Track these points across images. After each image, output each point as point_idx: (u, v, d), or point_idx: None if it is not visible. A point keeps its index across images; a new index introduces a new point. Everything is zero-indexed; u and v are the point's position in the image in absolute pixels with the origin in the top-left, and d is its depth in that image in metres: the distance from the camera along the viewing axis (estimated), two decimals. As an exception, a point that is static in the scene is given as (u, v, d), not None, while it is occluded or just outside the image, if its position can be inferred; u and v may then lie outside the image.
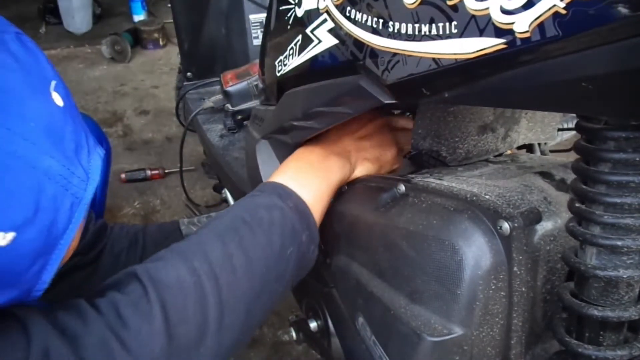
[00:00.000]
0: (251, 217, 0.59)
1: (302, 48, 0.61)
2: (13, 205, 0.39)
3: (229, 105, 1.23)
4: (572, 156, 0.46)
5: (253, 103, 1.18)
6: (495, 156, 0.68)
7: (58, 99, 0.45)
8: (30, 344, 0.44)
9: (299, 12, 0.61)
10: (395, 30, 0.44)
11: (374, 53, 0.48)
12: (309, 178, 0.65)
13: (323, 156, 0.68)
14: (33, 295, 0.46)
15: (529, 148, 0.79)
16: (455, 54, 0.39)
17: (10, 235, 0.39)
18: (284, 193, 0.63)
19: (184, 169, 1.48)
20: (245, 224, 0.58)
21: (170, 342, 0.49)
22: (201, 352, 0.51)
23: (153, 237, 0.88)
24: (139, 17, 3.22)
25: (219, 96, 1.29)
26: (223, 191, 1.40)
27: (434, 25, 0.40)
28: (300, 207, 0.62)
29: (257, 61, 0.91)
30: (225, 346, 0.53)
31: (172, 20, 1.61)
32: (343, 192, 0.69)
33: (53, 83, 0.45)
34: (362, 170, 0.70)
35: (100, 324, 0.47)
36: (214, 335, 0.52)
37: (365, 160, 0.70)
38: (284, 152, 0.78)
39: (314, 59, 0.59)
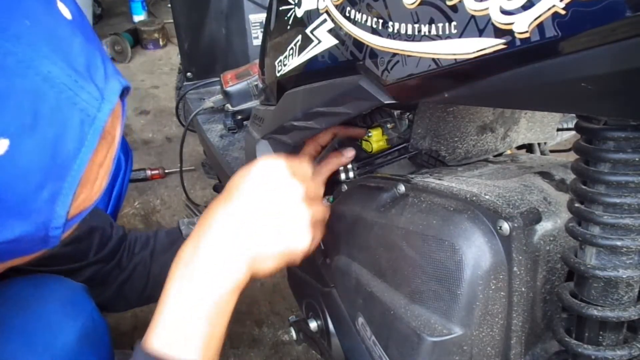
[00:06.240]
0: None
1: (302, 48, 0.61)
2: (4, 108, 0.35)
3: (229, 105, 1.23)
4: (572, 156, 0.46)
5: (253, 103, 1.18)
6: (495, 156, 0.68)
7: (65, 11, 0.41)
8: None
9: (299, 13, 0.61)
10: (395, 31, 0.44)
11: (373, 53, 0.48)
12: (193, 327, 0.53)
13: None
14: (50, 235, 0.42)
15: (529, 148, 0.79)
16: (454, 54, 0.39)
17: (4, 143, 0.35)
18: None
19: (184, 169, 1.48)
20: None
21: None
22: None
23: (161, 243, 0.92)
24: (139, 17, 3.22)
25: (219, 96, 1.29)
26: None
27: (433, 25, 0.40)
28: None
29: (257, 61, 0.91)
30: None
31: (172, 20, 1.61)
32: (343, 192, 0.69)
33: None
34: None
35: None
36: None
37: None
38: (283, 152, 0.78)
39: (313, 59, 0.59)
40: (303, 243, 0.58)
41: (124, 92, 0.45)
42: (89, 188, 0.43)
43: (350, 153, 0.71)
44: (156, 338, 0.52)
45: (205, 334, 0.53)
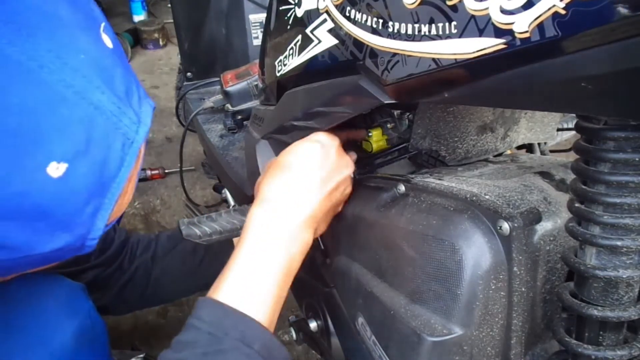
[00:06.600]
0: None
1: (302, 48, 0.61)
2: (65, 135, 0.40)
3: (229, 105, 1.23)
4: (572, 156, 0.46)
5: (253, 103, 1.18)
6: (495, 156, 0.68)
7: (108, 41, 0.45)
8: None
9: (299, 12, 0.61)
10: (395, 30, 0.44)
11: (373, 53, 0.48)
12: (261, 288, 0.56)
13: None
14: (87, 244, 0.46)
15: (529, 148, 0.79)
16: (455, 54, 0.39)
17: (64, 167, 0.40)
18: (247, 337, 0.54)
19: (184, 169, 1.48)
20: None
21: None
22: None
23: (163, 246, 0.93)
24: (139, 17, 3.22)
25: (219, 96, 1.29)
26: (223, 191, 1.40)
27: (433, 25, 0.40)
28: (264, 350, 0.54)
29: (257, 61, 0.91)
30: None
31: (172, 20, 1.61)
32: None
33: (102, 25, 0.45)
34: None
35: None
36: None
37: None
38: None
39: (314, 59, 0.59)
40: (342, 205, 0.68)
41: None
42: (121, 201, 0.47)
43: (352, 157, 0.72)
44: (223, 292, 0.55)
45: (271, 293, 0.56)
